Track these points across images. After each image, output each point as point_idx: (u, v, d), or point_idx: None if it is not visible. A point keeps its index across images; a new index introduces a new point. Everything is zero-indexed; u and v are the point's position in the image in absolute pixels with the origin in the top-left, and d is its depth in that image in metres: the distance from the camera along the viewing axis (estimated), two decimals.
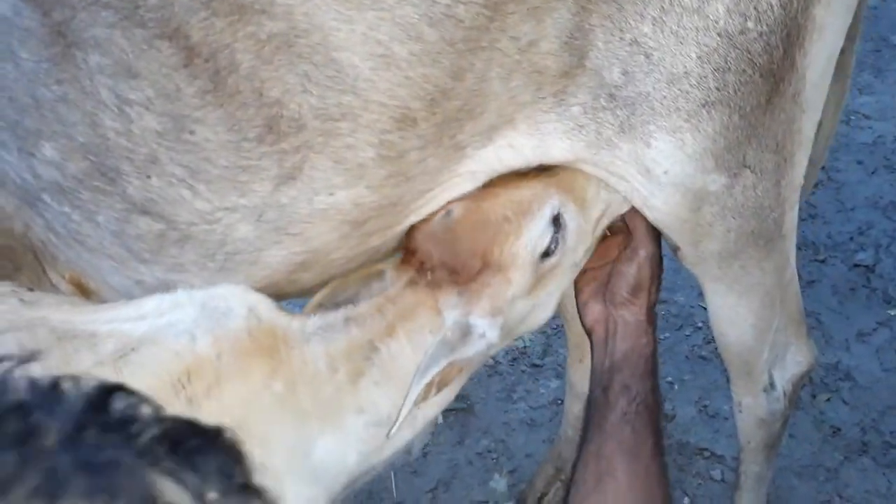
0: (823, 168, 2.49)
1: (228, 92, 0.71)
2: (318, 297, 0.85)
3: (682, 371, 1.96)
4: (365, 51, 0.72)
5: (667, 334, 2.04)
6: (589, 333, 1.03)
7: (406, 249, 0.86)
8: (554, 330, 1.96)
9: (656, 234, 1.00)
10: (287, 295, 0.91)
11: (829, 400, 1.89)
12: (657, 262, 1.01)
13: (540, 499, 1.58)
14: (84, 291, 0.87)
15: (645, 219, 0.97)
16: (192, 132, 0.73)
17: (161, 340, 0.70)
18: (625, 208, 0.97)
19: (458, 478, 1.68)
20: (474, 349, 0.82)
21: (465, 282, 0.82)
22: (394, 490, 1.64)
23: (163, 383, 0.68)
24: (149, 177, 0.75)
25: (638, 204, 0.93)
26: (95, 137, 0.73)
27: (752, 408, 1.21)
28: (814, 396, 1.90)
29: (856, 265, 2.16)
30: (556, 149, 0.87)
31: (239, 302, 0.75)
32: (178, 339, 0.70)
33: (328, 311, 0.82)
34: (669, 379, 1.95)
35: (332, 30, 0.71)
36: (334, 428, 0.76)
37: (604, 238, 1.00)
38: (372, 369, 0.78)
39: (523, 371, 1.90)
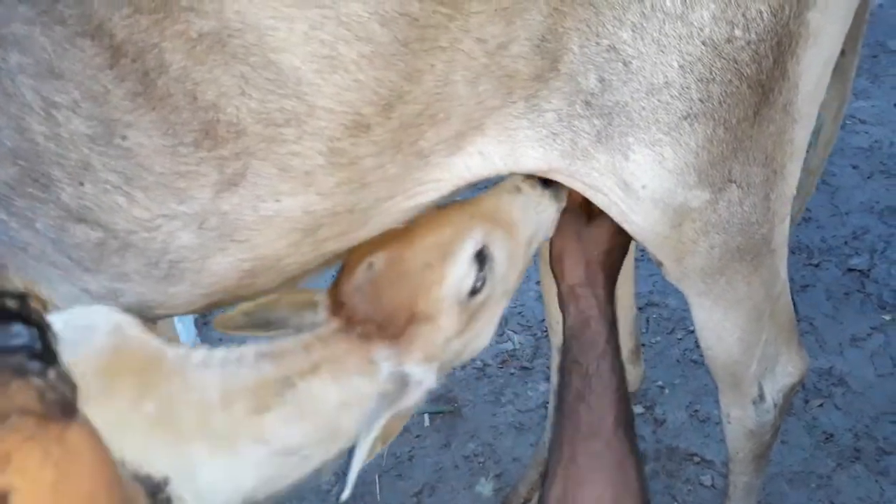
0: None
1: (160, 94, 0.64)
2: (245, 306, 0.80)
3: (673, 375, 1.89)
4: (307, 52, 0.64)
5: (658, 338, 1.97)
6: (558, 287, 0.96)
7: (332, 301, 0.81)
8: (544, 332, 1.89)
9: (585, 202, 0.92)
10: (243, 298, 0.84)
11: (821, 405, 1.81)
12: (578, 219, 0.94)
13: None
14: (39, 301, 0.81)
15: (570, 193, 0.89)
16: (123, 137, 0.66)
17: None
18: (553, 226, 0.92)
19: (443, 481, 1.61)
20: (414, 398, 0.78)
21: (395, 334, 0.78)
22: (377, 493, 1.58)
23: None
24: (82, 183, 0.68)
25: (617, 218, 0.85)
26: (24, 142, 0.67)
27: (740, 419, 1.13)
28: (806, 402, 1.82)
29: (850, 270, 2.08)
30: (528, 158, 0.79)
31: (104, 319, 0.69)
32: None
33: (242, 326, 0.78)
34: (660, 383, 1.88)
35: (269, 29, 0.63)
36: (228, 454, 0.70)
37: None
38: (284, 406, 0.73)
39: (512, 374, 1.84)
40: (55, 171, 0.68)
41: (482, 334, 0.87)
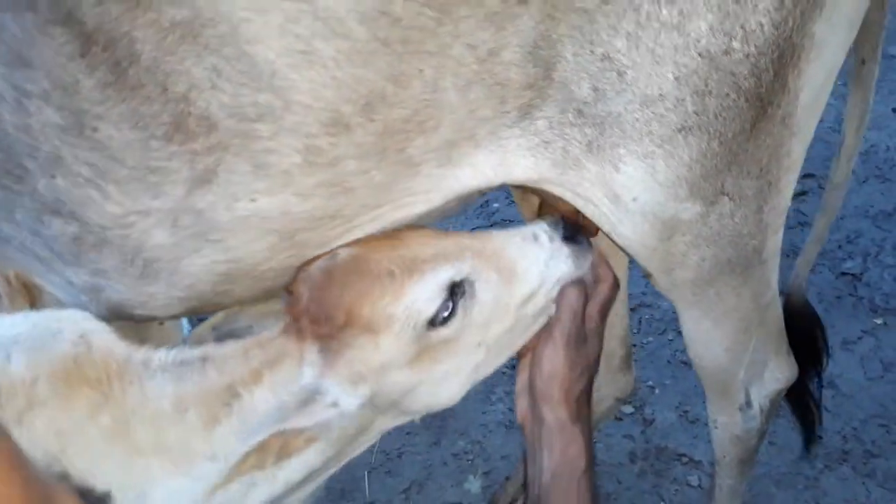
0: (814, 176, 2.36)
1: (130, 85, 0.61)
2: (211, 321, 0.75)
3: (663, 376, 1.85)
4: (282, 46, 0.60)
5: (649, 339, 1.94)
6: (522, 428, 0.84)
7: (287, 289, 0.73)
8: None
9: (580, 312, 0.81)
10: (220, 307, 0.79)
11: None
12: (573, 341, 0.80)
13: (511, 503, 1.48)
14: (31, 293, 0.78)
15: (570, 289, 0.79)
16: (94, 129, 0.62)
17: None
18: (557, 288, 0.79)
19: (432, 478, 1.58)
20: (318, 417, 0.68)
21: (328, 337, 0.69)
22: (366, 489, 1.55)
23: None
24: (54, 176, 0.65)
25: (606, 230, 0.80)
26: None
27: (727, 425, 1.10)
28: None
29: (843, 273, 2.04)
30: (518, 167, 0.74)
31: (71, 327, 0.64)
32: None
33: (185, 347, 0.70)
34: (650, 383, 1.85)
35: (243, 20, 0.59)
36: (182, 472, 0.65)
37: None
38: (231, 418, 0.66)
39: (503, 372, 1.80)
40: (28, 162, 0.64)
41: (445, 384, 0.75)
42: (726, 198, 0.80)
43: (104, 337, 0.65)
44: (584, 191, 0.77)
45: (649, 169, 0.74)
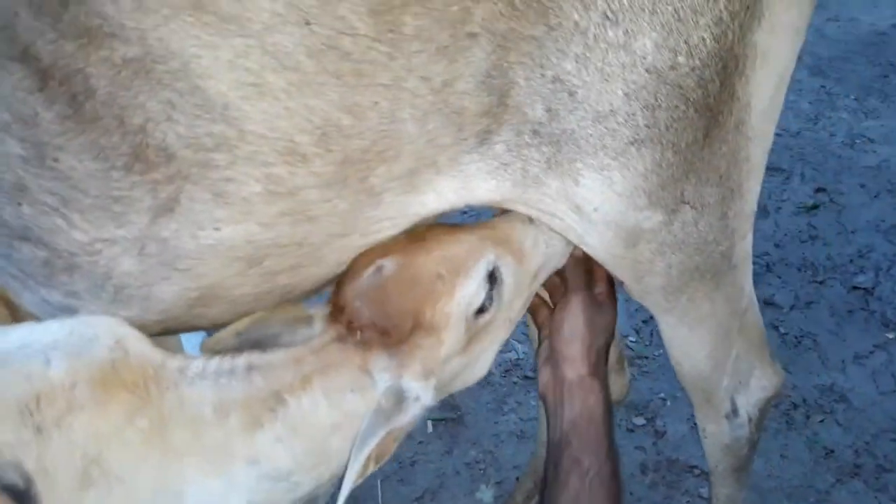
0: (825, 190, 2.33)
1: (88, 118, 0.63)
2: (236, 326, 0.76)
3: (675, 388, 1.83)
4: (233, 79, 0.62)
5: (660, 351, 1.93)
6: (542, 400, 0.90)
7: (334, 304, 0.76)
8: None
9: (589, 280, 0.88)
10: (199, 328, 0.82)
11: (822, 421, 1.74)
12: (592, 308, 0.88)
13: None
14: (11, 307, 0.79)
15: (576, 263, 0.86)
16: (55, 159, 0.64)
17: (12, 361, 0.61)
18: (564, 260, 0.87)
19: (444, 487, 1.60)
20: (410, 415, 0.73)
21: (396, 343, 0.73)
22: (379, 497, 1.57)
23: (8, 408, 0.59)
24: (20, 204, 0.66)
25: (574, 240, 0.83)
26: None
27: (715, 434, 1.09)
28: (808, 417, 1.75)
29: (855, 287, 2.00)
30: (480, 190, 0.76)
31: (107, 332, 0.66)
32: (31, 361, 0.61)
33: (232, 347, 0.73)
34: (662, 395, 1.83)
35: (193, 56, 0.61)
36: (219, 474, 0.67)
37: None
38: (275, 423, 0.68)
39: (515, 383, 1.82)
40: None
41: (480, 360, 0.81)
42: (687, 206, 0.82)
43: (139, 343, 0.68)
44: (547, 206, 0.79)
45: (606, 181, 0.76)
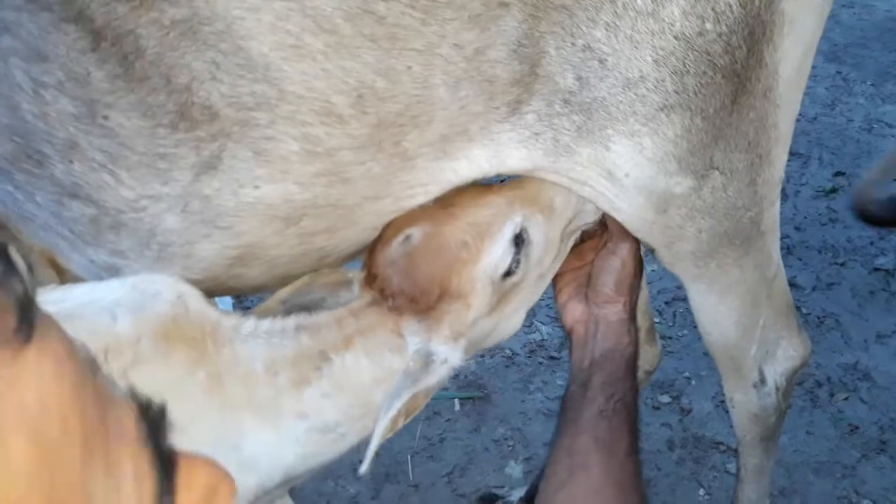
0: (844, 174, 2.29)
1: (138, 77, 0.64)
2: (281, 293, 0.78)
3: (699, 367, 1.82)
4: (274, 40, 0.63)
5: (684, 331, 1.91)
6: (569, 333, 0.92)
7: (367, 272, 0.78)
8: None
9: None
10: (236, 290, 0.83)
11: (847, 399, 1.71)
12: (638, 257, 0.90)
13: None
14: (57, 269, 0.80)
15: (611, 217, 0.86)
16: (105, 117, 0.65)
17: (79, 317, 0.62)
18: (597, 215, 0.87)
19: (474, 463, 1.60)
20: (438, 376, 0.74)
21: (425, 309, 0.74)
22: (410, 473, 1.58)
23: None
24: (71, 161, 0.68)
25: (606, 207, 0.83)
26: (16, 120, 0.67)
27: (743, 403, 1.09)
28: (832, 395, 1.73)
29: (875, 269, 1.97)
30: (512, 158, 0.77)
31: (168, 288, 0.67)
32: (97, 316, 0.62)
33: (279, 314, 0.74)
34: (687, 374, 1.82)
35: (237, 18, 0.62)
36: (271, 427, 0.68)
37: (579, 242, 0.90)
38: (321, 379, 0.70)
39: (540, 363, 1.81)
40: (46, 148, 0.68)
41: (512, 318, 0.82)
42: (717, 171, 0.82)
43: (197, 300, 0.69)
44: (578, 174, 0.79)
45: (637, 146, 0.76)
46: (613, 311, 0.89)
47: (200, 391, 0.66)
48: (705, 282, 0.93)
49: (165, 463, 0.31)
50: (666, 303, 1.95)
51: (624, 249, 0.90)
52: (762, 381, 1.05)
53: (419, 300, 0.74)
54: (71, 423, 0.26)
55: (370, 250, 0.79)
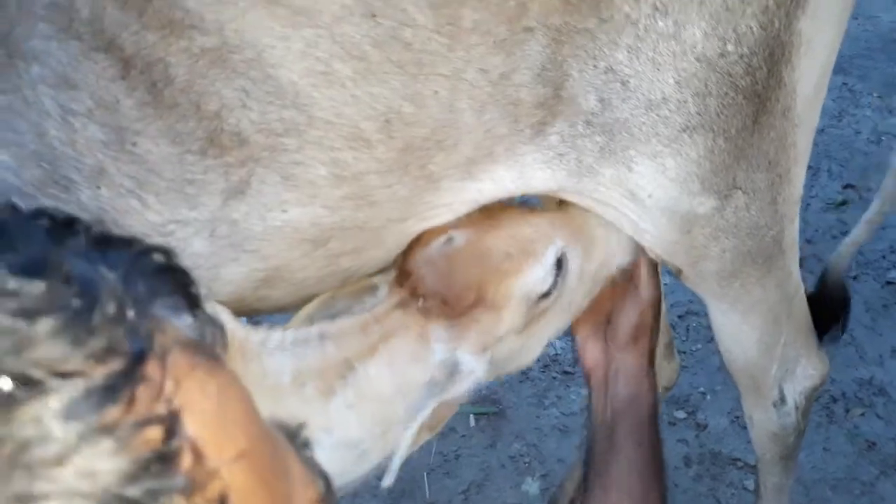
0: (854, 187, 2.27)
1: (167, 104, 0.64)
2: (306, 309, 0.77)
3: (714, 382, 1.79)
4: (303, 68, 0.64)
5: (698, 346, 1.89)
6: (587, 375, 0.90)
7: (401, 270, 0.76)
8: None
9: (657, 279, 0.88)
10: (261, 311, 0.82)
11: (863, 414, 1.68)
12: (658, 305, 0.89)
13: (571, 502, 1.46)
14: None
15: (646, 261, 0.85)
16: (134, 143, 0.66)
17: None
18: (630, 257, 0.85)
19: (490, 480, 1.57)
20: (464, 387, 0.72)
21: (456, 314, 0.72)
22: (426, 490, 1.56)
23: None
24: (98, 187, 0.68)
25: (629, 229, 0.82)
26: (43, 146, 0.67)
27: (763, 422, 1.07)
28: (847, 411, 1.70)
29: (888, 283, 1.94)
30: (536, 179, 0.76)
31: None
32: None
33: (304, 325, 0.73)
34: (702, 389, 1.79)
35: (267, 46, 0.63)
36: None
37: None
38: (346, 389, 0.68)
39: (554, 378, 1.79)
40: (73, 174, 0.67)
41: (533, 347, 0.80)
42: (739, 191, 0.81)
43: (227, 316, 0.68)
44: (601, 195, 0.79)
45: (660, 167, 0.75)
46: (632, 357, 0.87)
47: None
48: (728, 301, 0.92)
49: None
50: (679, 316, 1.93)
51: (646, 297, 0.88)
52: (782, 399, 1.03)
53: (453, 304, 0.72)
54: (260, 428, 0.32)
55: (407, 249, 0.77)
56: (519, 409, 1.72)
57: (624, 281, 0.88)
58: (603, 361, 0.88)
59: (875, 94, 2.63)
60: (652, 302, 0.87)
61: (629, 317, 0.87)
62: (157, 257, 0.31)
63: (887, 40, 2.90)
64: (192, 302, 0.31)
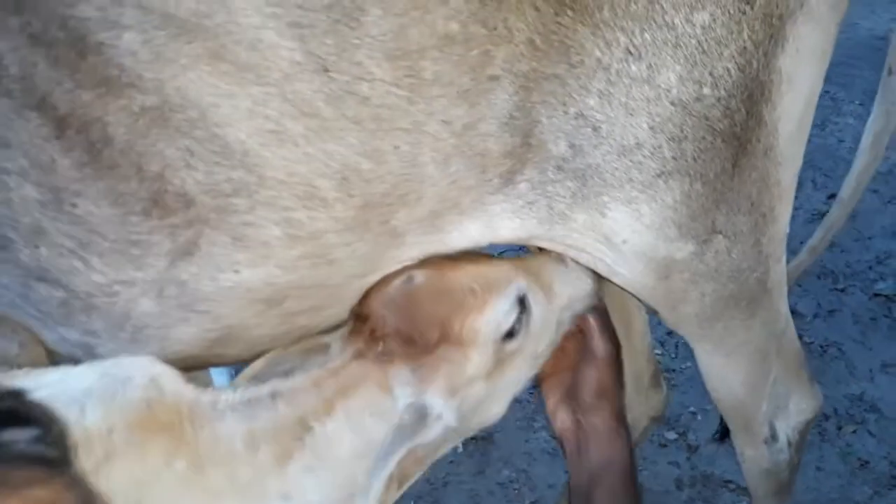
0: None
1: (106, 164, 0.60)
2: (251, 369, 0.72)
3: (704, 401, 1.75)
4: (252, 126, 0.59)
5: (687, 364, 1.84)
6: (559, 441, 0.86)
7: (357, 316, 0.71)
8: None
9: (611, 332, 0.83)
10: (218, 366, 0.78)
11: (855, 432, 1.64)
12: (617, 361, 0.84)
13: None
14: (38, 343, 0.74)
15: (597, 318, 0.80)
16: (73, 204, 0.61)
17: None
18: (590, 304, 0.81)
19: None
20: (433, 433, 0.67)
21: (420, 354, 0.67)
22: None
23: None
24: (37, 246, 0.64)
25: (604, 272, 0.77)
26: None
27: (754, 459, 1.02)
28: (839, 428, 1.65)
29: (876, 294, 1.90)
30: (505, 229, 0.72)
31: (140, 372, 0.61)
32: (67, 410, 0.56)
33: (253, 384, 0.67)
34: (692, 409, 1.75)
35: (211, 105, 0.58)
36: None
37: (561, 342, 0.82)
38: (304, 451, 0.63)
39: (542, 400, 1.75)
40: (10, 233, 0.64)
41: (501, 396, 0.75)
42: (720, 235, 0.76)
43: (173, 380, 0.63)
44: (574, 241, 0.74)
45: (634, 213, 0.71)
46: (600, 419, 0.82)
47: (179, 482, 0.59)
48: (712, 342, 0.87)
49: None
50: (668, 333, 1.88)
51: (601, 356, 0.83)
52: (773, 437, 0.98)
53: (416, 341, 0.68)
54: None
55: (365, 294, 0.72)
56: (507, 432, 1.67)
57: (577, 343, 0.83)
58: (573, 427, 0.83)
59: (857, 102, 2.60)
60: (608, 360, 0.82)
61: (588, 379, 0.82)
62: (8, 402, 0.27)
63: (867, 48, 2.87)
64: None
